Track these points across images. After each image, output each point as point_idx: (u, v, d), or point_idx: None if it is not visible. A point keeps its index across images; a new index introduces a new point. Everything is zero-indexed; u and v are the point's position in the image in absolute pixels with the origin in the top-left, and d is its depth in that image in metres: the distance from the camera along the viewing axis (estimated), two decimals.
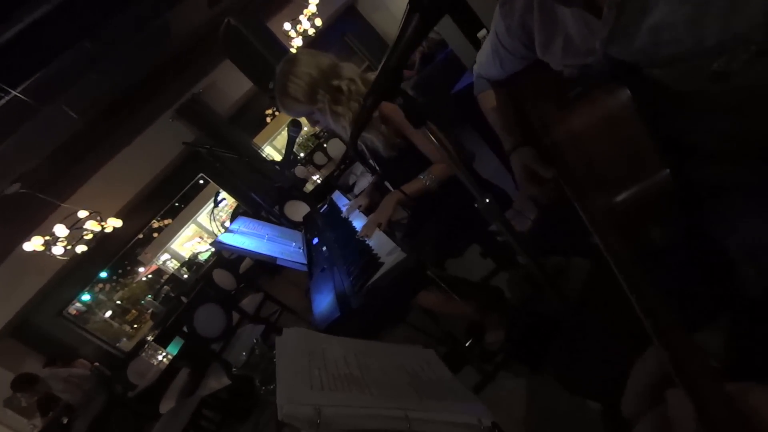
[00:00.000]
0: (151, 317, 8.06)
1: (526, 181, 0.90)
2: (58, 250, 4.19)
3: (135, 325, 9.96)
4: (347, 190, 3.16)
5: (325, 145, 5.19)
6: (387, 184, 1.82)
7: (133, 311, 10.29)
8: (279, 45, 2.31)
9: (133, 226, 5.62)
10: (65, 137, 4.28)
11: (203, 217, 12.19)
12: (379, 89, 0.68)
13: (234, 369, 1.96)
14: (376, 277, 1.12)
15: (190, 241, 12.01)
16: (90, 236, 4.47)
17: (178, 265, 10.97)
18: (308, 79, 1.29)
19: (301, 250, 1.78)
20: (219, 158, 1.75)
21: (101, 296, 8.48)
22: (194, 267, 8.16)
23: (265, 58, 2.14)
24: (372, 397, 0.61)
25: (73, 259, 4.92)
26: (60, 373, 4.10)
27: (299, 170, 5.82)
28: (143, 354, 3.28)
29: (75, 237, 4.40)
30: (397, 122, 1.35)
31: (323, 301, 1.23)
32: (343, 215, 1.89)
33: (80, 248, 4.40)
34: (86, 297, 7.51)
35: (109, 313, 8.76)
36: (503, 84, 0.97)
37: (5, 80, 3.19)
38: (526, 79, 0.89)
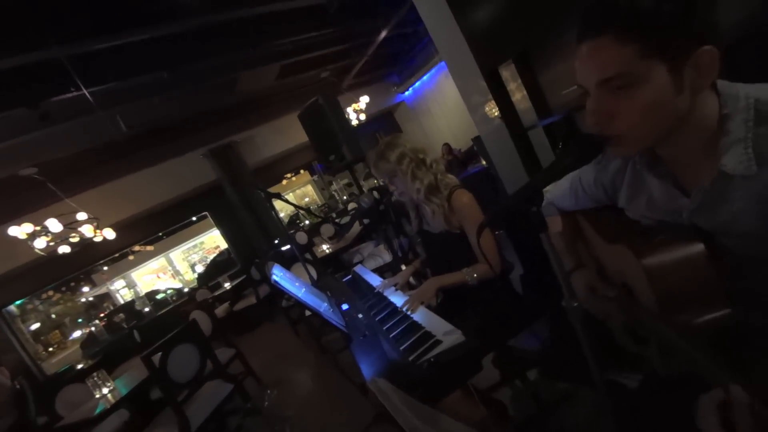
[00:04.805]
0: (81, 345, 7.22)
1: (588, 297, 1.05)
2: (40, 243, 3.99)
3: (51, 348, 8.87)
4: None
5: (337, 220, 5.39)
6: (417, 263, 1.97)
7: (57, 332, 9.26)
8: (350, 127, 2.69)
9: (117, 243, 5.42)
10: (102, 142, 4.41)
11: (177, 253, 11.74)
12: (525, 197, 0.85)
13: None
14: (434, 352, 1.18)
15: (151, 274, 11.37)
16: (77, 239, 4.30)
17: (131, 295, 10.21)
18: (402, 149, 1.66)
19: (331, 311, 1.81)
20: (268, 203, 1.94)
21: (41, 307, 7.68)
22: (153, 302, 7.62)
23: (336, 136, 2.49)
24: None
25: (43, 258, 4.63)
26: None
27: (299, 236, 5.91)
28: (88, 382, 2.90)
29: (62, 236, 4.22)
30: (468, 212, 1.55)
31: (373, 367, 1.26)
32: (377, 290, 1.96)
33: (62, 249, 4.19)
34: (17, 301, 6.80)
35: (35, 326, 7.84)
36: (570, 213, 1.18)
37: (82, 78, 3.43)
38: (602, 217, 1.09)
